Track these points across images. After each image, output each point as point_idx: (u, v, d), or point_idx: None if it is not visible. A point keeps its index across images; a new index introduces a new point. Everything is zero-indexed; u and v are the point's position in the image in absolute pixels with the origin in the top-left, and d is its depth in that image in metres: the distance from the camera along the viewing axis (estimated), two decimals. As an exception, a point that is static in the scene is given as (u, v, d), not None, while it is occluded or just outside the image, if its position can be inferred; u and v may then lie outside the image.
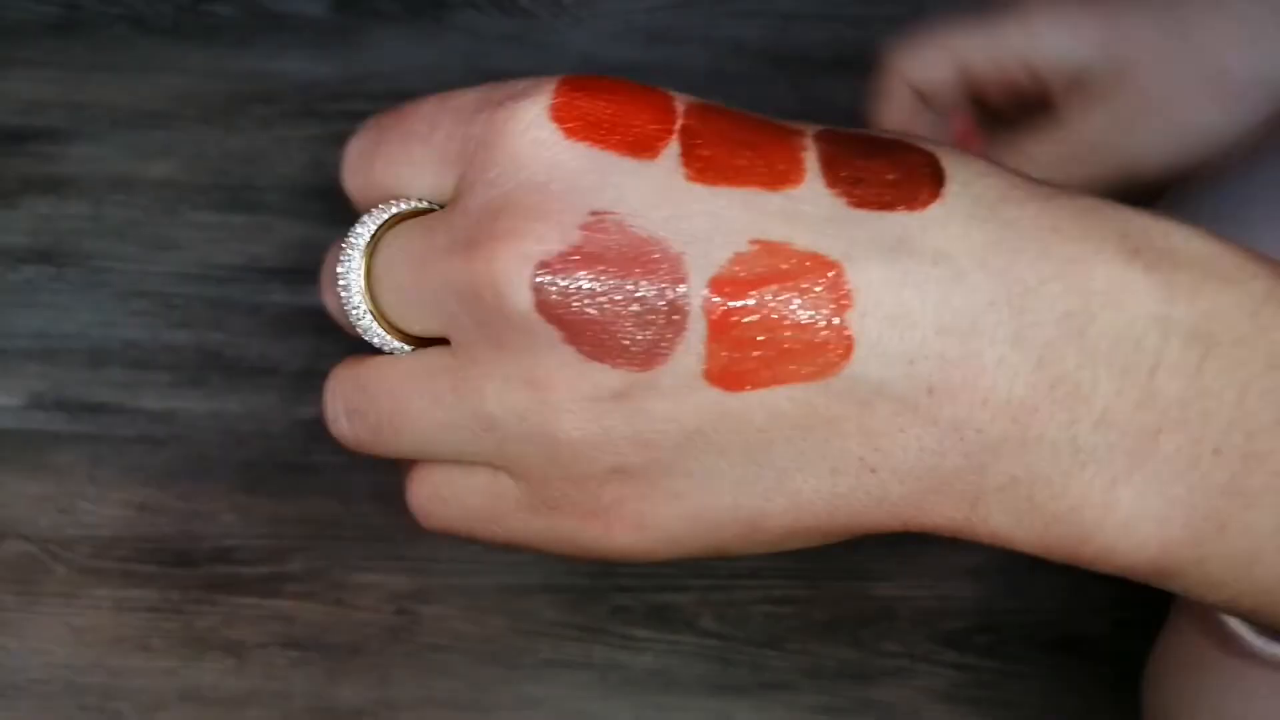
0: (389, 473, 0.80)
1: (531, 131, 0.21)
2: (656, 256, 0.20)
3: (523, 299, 0.20)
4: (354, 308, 0.24)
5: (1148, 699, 0.48)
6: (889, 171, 0.21)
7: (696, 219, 0.20)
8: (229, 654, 0.69)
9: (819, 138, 0.22)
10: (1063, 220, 0.21)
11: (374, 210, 0.25)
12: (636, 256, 0.20)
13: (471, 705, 0.67)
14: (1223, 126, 0.43)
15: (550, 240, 0.20)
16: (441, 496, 0.25)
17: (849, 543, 0.29)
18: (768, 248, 0.20)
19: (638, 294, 0.20)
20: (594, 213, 0.20)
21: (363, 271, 0.24)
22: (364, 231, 0.24)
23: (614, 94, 0.21)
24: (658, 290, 0.20)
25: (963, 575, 0.71)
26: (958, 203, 0.21)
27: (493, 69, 0.89)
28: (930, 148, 0.22)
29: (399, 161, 0.24)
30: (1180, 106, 0.43)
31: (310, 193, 0.84)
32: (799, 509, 0.22)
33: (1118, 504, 0.21)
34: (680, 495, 0.22)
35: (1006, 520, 0.22)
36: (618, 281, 0.20)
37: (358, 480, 0.73)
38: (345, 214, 0.94)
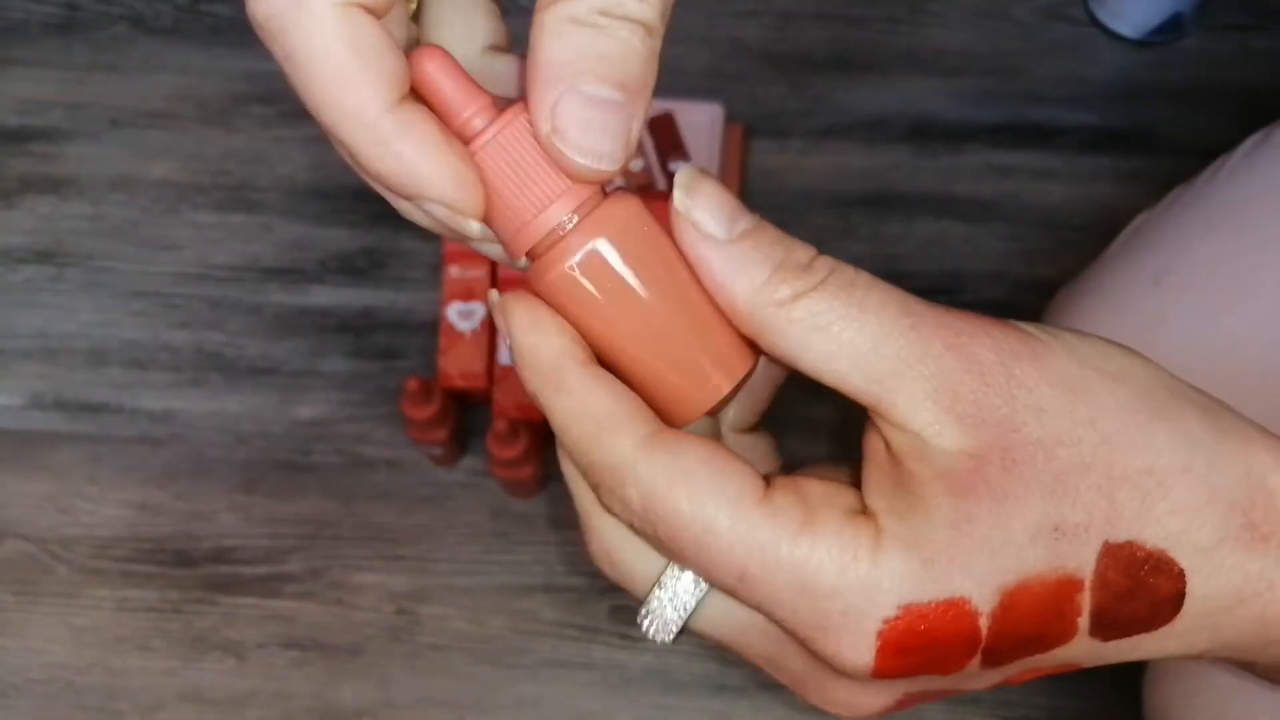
0: (389, 473, 0.80)
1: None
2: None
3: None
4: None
5: (1148, 699, 0.48)
6: (1141, 612, 0.27)
7: (979, 683, 0.29)
8: (229, 654, 0.69)
9: (1095, 589, 0.27)
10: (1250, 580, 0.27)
11: None
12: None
13: (471, 705, 0.67)
14: None
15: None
16: None
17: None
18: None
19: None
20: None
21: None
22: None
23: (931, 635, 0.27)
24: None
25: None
26: (1187, 614, 0.27)
27: (493, 69, 0.89)
28: (1182, 566, 0.27)
29: None
30: None
31: (309, 193, 0.84)
32: None
33: None
34: None
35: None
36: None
37: (358, 480, 0.73)
38: (344, 214, 0.94)
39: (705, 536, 0.26)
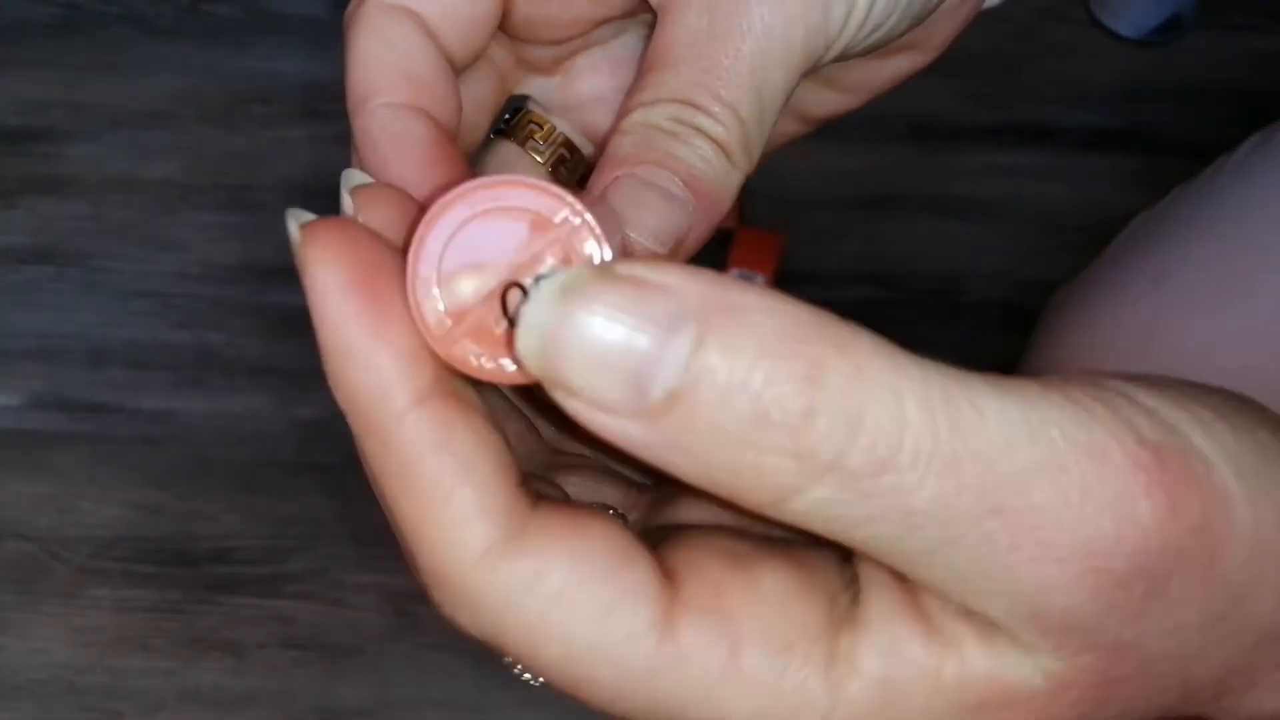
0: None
1: None
2: None
3: None
4: None
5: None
6: None
7: None
8: (229, 654, 0.69)
9: None
10: None
11: None
12: None
13: (471, 705, 0.67)
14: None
15: None
16: None
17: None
18: None
19: None
20: None
21: None
22: None
23: None
24: None
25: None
26: None
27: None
28: None
29: None
30: None
31: (310, 193, 0.84)
32: None
33: None
34: None
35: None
36: None
37: (358, 480, 0.73)
38: (345, 214, 0.92)
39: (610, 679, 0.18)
